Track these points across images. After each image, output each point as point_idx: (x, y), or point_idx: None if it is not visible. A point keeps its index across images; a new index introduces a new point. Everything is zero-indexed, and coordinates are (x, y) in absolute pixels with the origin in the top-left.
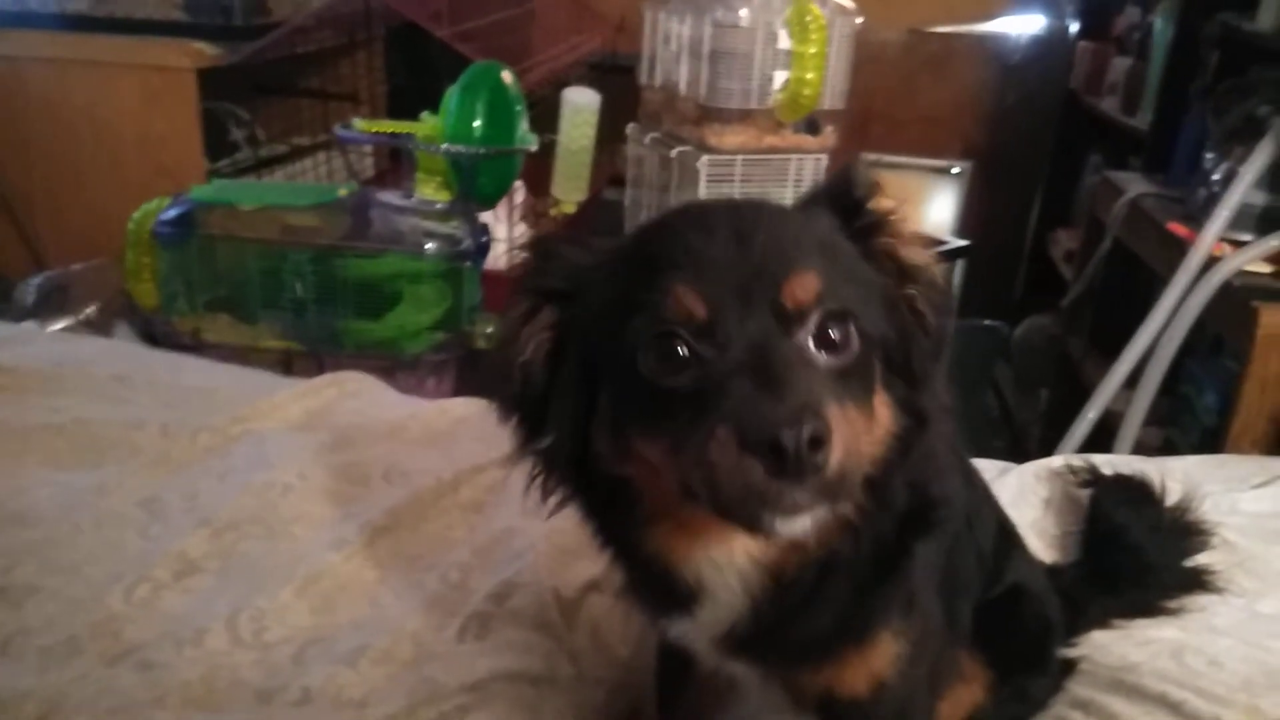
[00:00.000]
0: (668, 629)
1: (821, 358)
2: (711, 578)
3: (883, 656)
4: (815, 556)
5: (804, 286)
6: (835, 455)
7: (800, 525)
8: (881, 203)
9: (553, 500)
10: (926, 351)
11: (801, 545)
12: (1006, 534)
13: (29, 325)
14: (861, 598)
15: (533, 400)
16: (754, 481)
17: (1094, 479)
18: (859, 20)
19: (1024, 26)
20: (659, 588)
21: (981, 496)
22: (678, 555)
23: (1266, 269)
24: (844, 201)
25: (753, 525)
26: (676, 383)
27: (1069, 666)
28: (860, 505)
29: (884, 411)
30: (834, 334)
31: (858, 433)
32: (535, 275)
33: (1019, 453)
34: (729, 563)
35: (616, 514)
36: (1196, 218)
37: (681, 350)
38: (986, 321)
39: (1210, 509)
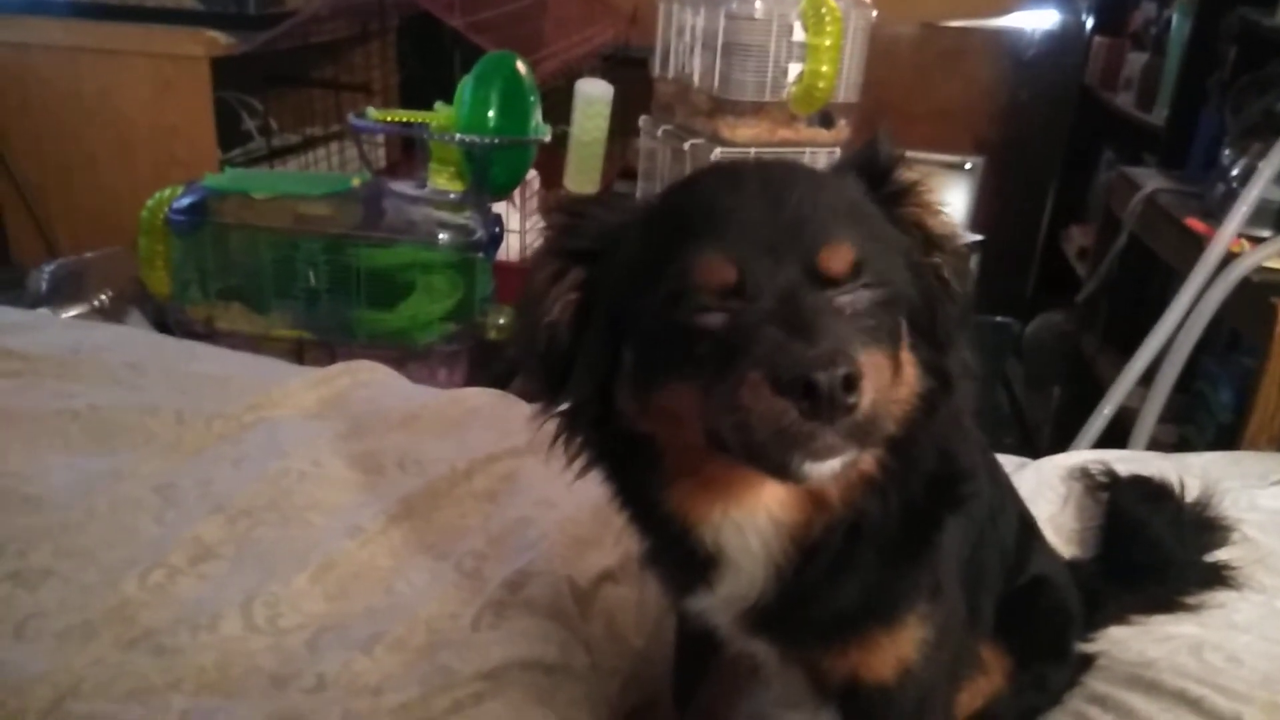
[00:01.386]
0: (690, 604)
1: (849, 312)
2: (732, 541)
3: (910, 640)
4: (840, 518)
5: (840, 257)
6: (866, 397)
7: (829, 469)
8: (907, 173)
9: (579, 464)
10: (951, 317)
11: (826, 504)
12: (1028, 528)
13: (43, 312)
14: (890, 570)
15: (557, 361)
16: (787, 423)
17: (1111, 482)
18: (874, 14)
19: (1038, 21)
20: (679, 553)
21: (1006, 494)
22: (698, 515)
23: None
24: (872, 169)
25: (782, 469)
26: (707, 326)
27: (1087, 662)
28: (884, 463)
29: (909, 371)
30: (865, 295)
31: (885, 381)
32: (564, 236)
33: (1029, 450)
34: (750, 524)
35: (638, 473)
36: (1214, 213)
37: (711, 310)
38: (998, 318)
39: (1229, 505)
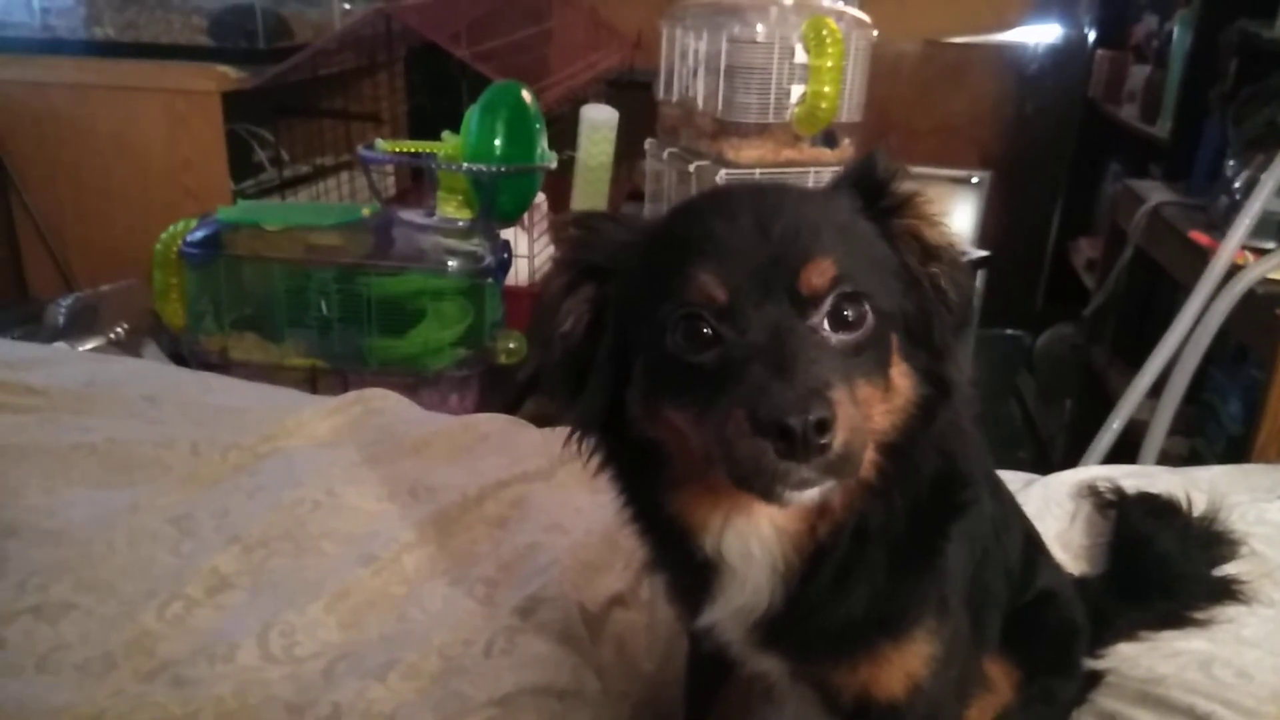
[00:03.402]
0: (700, 619)
1: (835, 337)
2: (733, 547)
3: (919, 655)
4: (842, 523)
5: (820, 272)
6: (840, 436)
7: (808, 496)
8: (904, 185)
9: (599, 470)
10: (948, 326)
11: (827, 510)
12: (1033, 545)
13: (60, 346)
14: (897, 579)
15: (573, 368)
16: (765, 460)
17: (1119, 498)
18: (875, 33)
19: (1041, 36)
20: (681, 559)
21: (1009, 510)
22: (700, 519)
23: None
24: (868, 183)
25: (765, 496)
26: (701, 360)
27: (1096, 678)
28: (883, 469)
29: (904, 382)
30: (848, 314)
31: (869, 407)
32: (578, 250)
33: (1043, 464)
34: (753, 530)
35: (645, 477)
36: (1218, 226)
37: (706, 330)
38: (1008, 331)
39: (1237, 519)
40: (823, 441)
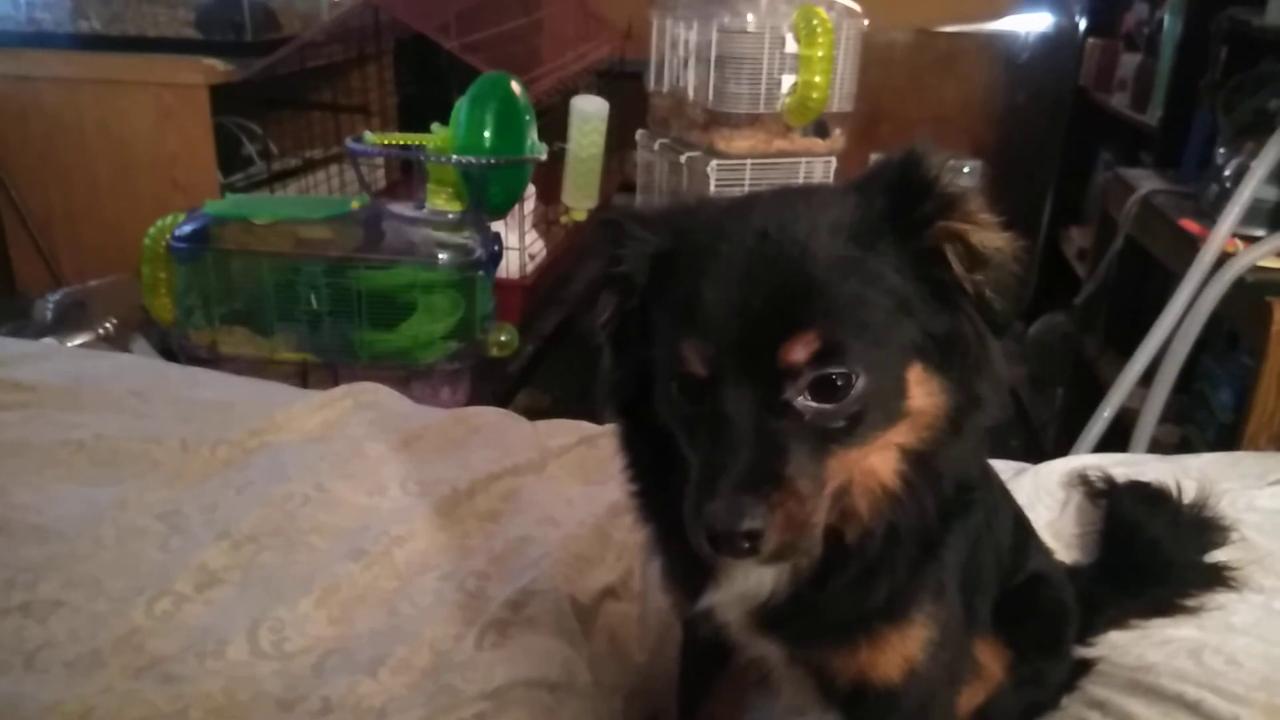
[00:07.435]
0: (698, 603)
1: (815, 408)
2: None
3: (916, 639)
4: (870, 529)
5: (804, 345)
6: (772, 540)
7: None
8: (952, 183)
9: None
10: (986, 338)
11: (853, 515)
12: (1023, 529)
13: (48, 341)
14: (905, 571)
15: (618, 344)
16: (703, 544)
17: (1110, 487)
18: (866, 22)
19: (1032, 24)
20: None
21: (999, 495)
22: None
23: None
24: (908, 185)
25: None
26: (690, 413)
27: (1086, 666)
28: (908, 479)
29: (930, 400)
30: (836, 381)
31: (846, 474)
32: (610, 253)
33: (1035, 452)
34: None
35: (662, 459)
36: (1209, 214)
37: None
38: None
39: (1227, 506)
40: (752, 547)
